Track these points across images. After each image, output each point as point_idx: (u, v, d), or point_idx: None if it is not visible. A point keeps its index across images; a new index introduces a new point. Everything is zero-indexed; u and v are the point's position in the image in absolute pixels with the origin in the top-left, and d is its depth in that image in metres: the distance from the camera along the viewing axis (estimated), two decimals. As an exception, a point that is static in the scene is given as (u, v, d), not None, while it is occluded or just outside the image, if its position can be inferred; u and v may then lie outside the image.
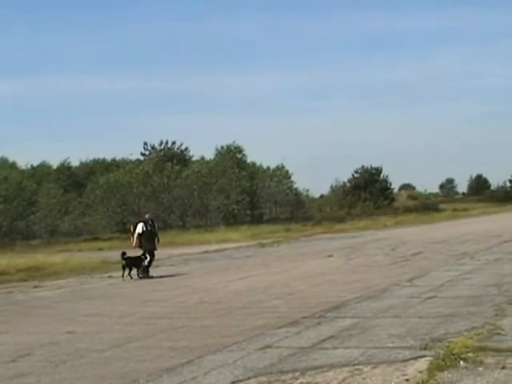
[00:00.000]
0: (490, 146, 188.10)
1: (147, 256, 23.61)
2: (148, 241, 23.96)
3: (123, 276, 23.08)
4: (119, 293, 19.77)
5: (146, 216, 25.04)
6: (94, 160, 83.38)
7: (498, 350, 9.10)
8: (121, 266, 23.46)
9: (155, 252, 24.26)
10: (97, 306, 17.03)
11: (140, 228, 24.12)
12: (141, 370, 9.50)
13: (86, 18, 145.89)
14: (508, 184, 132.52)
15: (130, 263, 23.45)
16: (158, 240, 24.69)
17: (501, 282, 16.27)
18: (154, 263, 24.64)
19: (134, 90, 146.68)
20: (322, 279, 19.80)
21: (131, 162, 74.95)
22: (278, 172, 75.92)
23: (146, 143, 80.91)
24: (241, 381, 8.58)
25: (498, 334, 10.24)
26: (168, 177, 67.97)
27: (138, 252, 23.96)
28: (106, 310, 15.94)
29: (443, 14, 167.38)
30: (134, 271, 23.38)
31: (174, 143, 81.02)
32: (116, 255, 25.17)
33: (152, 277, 23.39)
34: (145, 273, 23.51)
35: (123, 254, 23.76)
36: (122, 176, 67.34)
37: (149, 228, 24.19)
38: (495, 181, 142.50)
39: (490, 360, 8.65)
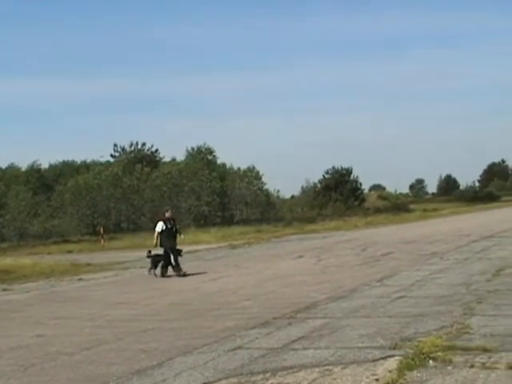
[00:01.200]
0: (459, 147, 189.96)
1: (170, 255, 23.29)
2: (168, 239, 23.42)
3: (149, 272, 23.61)
4: (89, 295, 19.66)
5: (167, 214, 24.29)
6: (63, 162, 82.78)
7: (466, 349, 9.18)
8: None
9: (178, 249, 23.75)
10: (67, 308, 16.93)
11: (160, 227, 23.65)
12: (111, 372, 9.48)
13: (55, 17, 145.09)
14: (477, 184, 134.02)
15: (156, 260, 23.54)
16: (180, 234, 24.29)
17: (469, 282, 16.41)
18: (123, 265, 24.54)
19: (105, 91, 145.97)
20: (292, 280, 19.82)
21: (101, 164, 74.53)
22: (249, 173, 75.85)
23: (116, 145, 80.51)
24: (211, 382, 8.60)
25: (467, 333, 10.33)
26: (138, 179, 67.75)
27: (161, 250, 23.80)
28: (76, 313, 15.86)
29: (415, 16, 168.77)
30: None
31: (144, 145, 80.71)
32: (85, 258, 25.02)
33: (185, 274, 22.98)
34: (175, 271, 23.15)
35: (149, 252, 23.99)
36: (92, 178, 67.01)
37: (169, 226, 23.64)
38: (464, 181, 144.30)
39: (458, 359, 8.73)
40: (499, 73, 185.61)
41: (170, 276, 22.89)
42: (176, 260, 23.24)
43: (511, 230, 34.69)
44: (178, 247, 23.68)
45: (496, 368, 8.21)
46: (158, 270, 23.36)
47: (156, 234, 23.72)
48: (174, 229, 23.83)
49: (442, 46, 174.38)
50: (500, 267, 18.95)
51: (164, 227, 23.59)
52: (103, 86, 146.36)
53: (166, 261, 23.34)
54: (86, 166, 75.93)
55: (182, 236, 24.63)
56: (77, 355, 10.83)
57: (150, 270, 23.66)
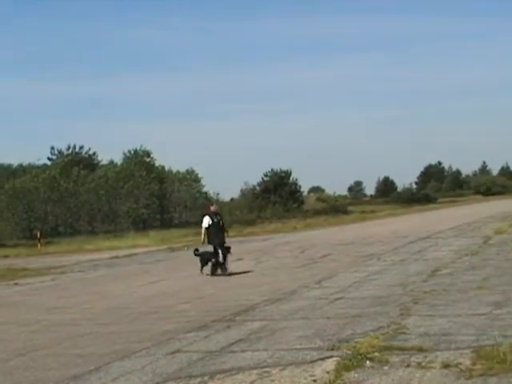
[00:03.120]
0: (396, 149, 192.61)
1: (219, 251, 21.96)
2: (216, 234, 22.16)
3: (201, 271, 22.05)
4: (25, 300, 19.38)
5: (212, 208, 23.22)
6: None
7: (402, 349, 9.29)
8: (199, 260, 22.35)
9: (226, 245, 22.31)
10: (2, 314, 16.65)
11: (206, 222, 22.34)
12: (47, 378, 9.36)
13: None
14: (414, 186, 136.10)
15: (206, 258, 22.15)
16: (227, 232, 23.26)
17: (406, 282, 16.59)
18: (60, 270, 24.19)
19: (41, 94, 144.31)
20: (231, 282, 19.83)
21: (38, 167, 73.64)
22: (188, 176, 75.76)
23: (53, 148, 79.83)
24: (149, 386, 8.54)
25: (403, 333, 10.44)
26: (75, 182, 67.07)
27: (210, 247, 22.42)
28: (12, 318, 15.61)
29: (349, 19, 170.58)
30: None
31: (81, 148, 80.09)
32: (22, 262, 24.59)
33: (230, 273, 21.68)
34: (222, 269, 21.86)
35: (196, 250, 22.78)
36: (29, 181, 66.13)
37: (215, 220, 22.37)
38: (401, 183, 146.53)
39: (395, 359, 8.82)
40: (436, 75, 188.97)
41: (219, 275, 21.75)
42: (225, 258, 22.02)
43: (447, 231, 35.21)
44: (226, 245, 22.31)
45: (431, 367, 8.33)
46: (208, 269, 21.99)
47: (203, 230, 22.48)
48: (220, 223, 22.64)
49: (378, 49, 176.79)
50: (436, 268, 19.22)
51: (210, 222, 22.35)
52: (40, 89, 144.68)
53: (216, 258, 22.03)
54: (22, 170, 74.92)
55: (226, 232, 23.18)
56: (12, 361, 10.66)
57: (201, 268, 22.07)
